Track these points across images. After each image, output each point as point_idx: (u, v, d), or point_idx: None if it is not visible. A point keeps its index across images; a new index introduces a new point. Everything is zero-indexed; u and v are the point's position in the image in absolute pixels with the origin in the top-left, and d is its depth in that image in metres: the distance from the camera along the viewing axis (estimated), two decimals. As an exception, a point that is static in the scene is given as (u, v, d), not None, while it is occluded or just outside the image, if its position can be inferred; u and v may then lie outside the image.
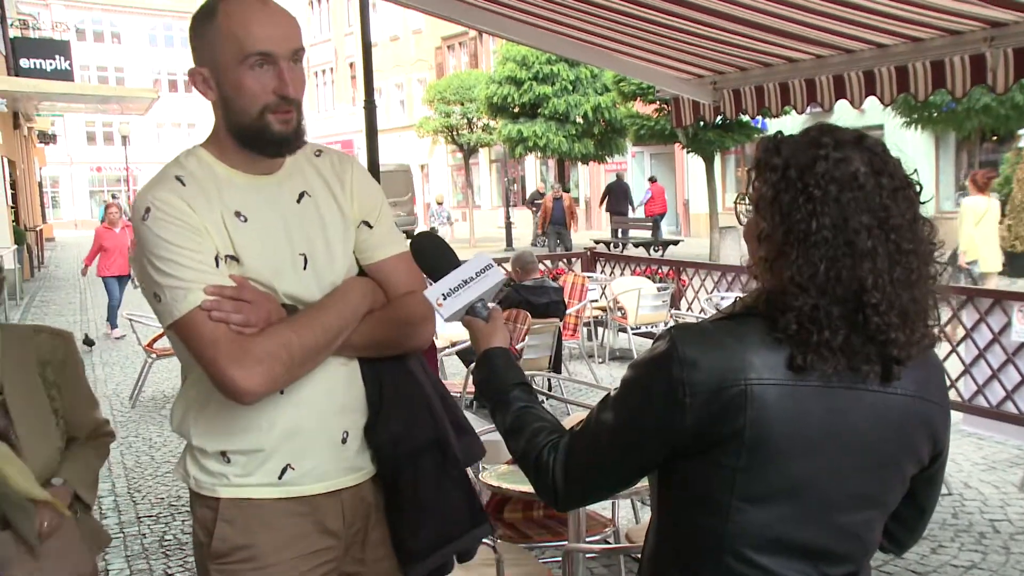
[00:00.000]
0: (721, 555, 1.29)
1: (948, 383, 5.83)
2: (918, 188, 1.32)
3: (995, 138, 16.98)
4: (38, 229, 24.23)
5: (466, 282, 1.61)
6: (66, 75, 22.35)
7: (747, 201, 1.35)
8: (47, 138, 32.35)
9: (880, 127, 20.96)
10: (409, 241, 1.81)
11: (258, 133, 1.63)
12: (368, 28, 7.82)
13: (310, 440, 1.70)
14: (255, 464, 1.69)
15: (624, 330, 8.59)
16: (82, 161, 52.01)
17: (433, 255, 1.67)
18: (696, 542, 1.33)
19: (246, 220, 1.66)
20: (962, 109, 12.61)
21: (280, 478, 1.70)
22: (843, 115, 21.26)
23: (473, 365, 1.66)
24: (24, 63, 21.88)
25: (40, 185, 34.25)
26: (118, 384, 8.36)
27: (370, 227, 1.78)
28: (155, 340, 7.89)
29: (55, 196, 50.88)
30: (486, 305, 1.63)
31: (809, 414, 1.26)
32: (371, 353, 1.76)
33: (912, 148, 20.80)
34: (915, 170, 1.36)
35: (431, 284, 1.66)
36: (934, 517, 4.48)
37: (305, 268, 1.70)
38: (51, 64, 22.35)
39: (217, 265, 1.61)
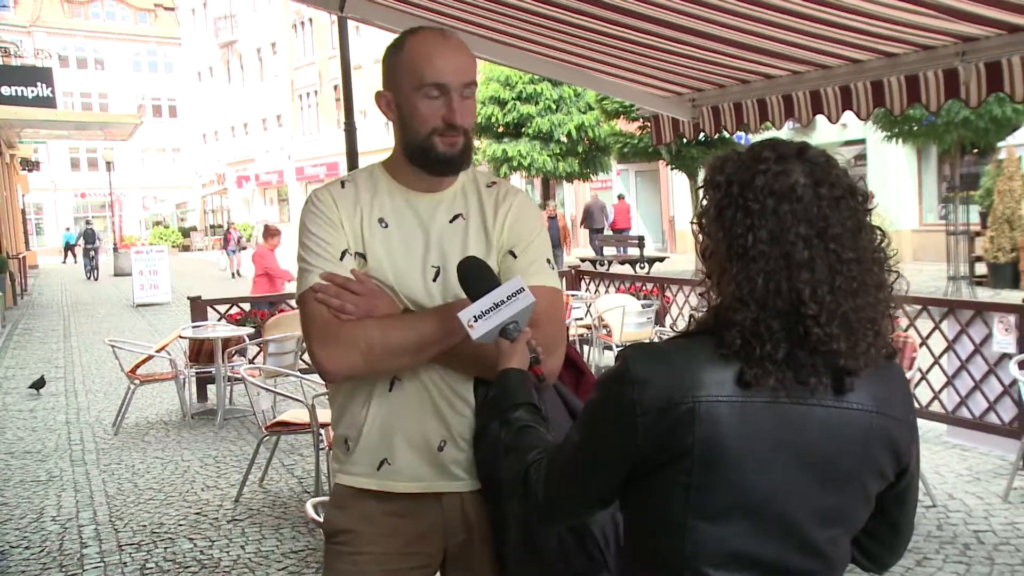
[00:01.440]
0: (681, 573, 1.29)
1: (931, 395, 5.89)
2: (862, 197, 1.32)
3: (976, 151, 17.14)
4: (21, 256, 24.08)
5: (497, 305, 1.67)
6: (48, 102, 22.26)
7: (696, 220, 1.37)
8: (30, 165, 32.22)
9: (862, 141, 21.15)
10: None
11: (425, 152, 1.82)
12: (348, 51, 7.84)
13: (405, 439, 1.82)
14: (361, 452, 1.85)
15: (610, 348, 8.59)
16: (66, 187, 51.83)
17: (473, 279, 1.73)
18: (656, 560, 1.33)
19: (387, 226, 1.85)
20: (942, 123, 12.71)
21: (378, 470, 1.84)
22: (826, 130, 21.37)
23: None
24: (5, 91, 21.77)
25: (23, 212, 34.09)
26: (100, 411, 8.28)
27: (514, 256, 1.87)
28: (138, 366, 7.83)
29: (39, 223, 50.66)
30: (518, 327, 1.68)
31: (760, 430, 1.26)
32: (480, 374, 1.82)
33: (895, 162, 20.98)
34: (861, 178, 1.36)
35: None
36: (918, 529, 4.50)
37: (435, 280, 1.83)
38: (32, 91, 22.25)
39: (342, 258, 1.81)
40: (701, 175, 1.47)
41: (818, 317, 1.24)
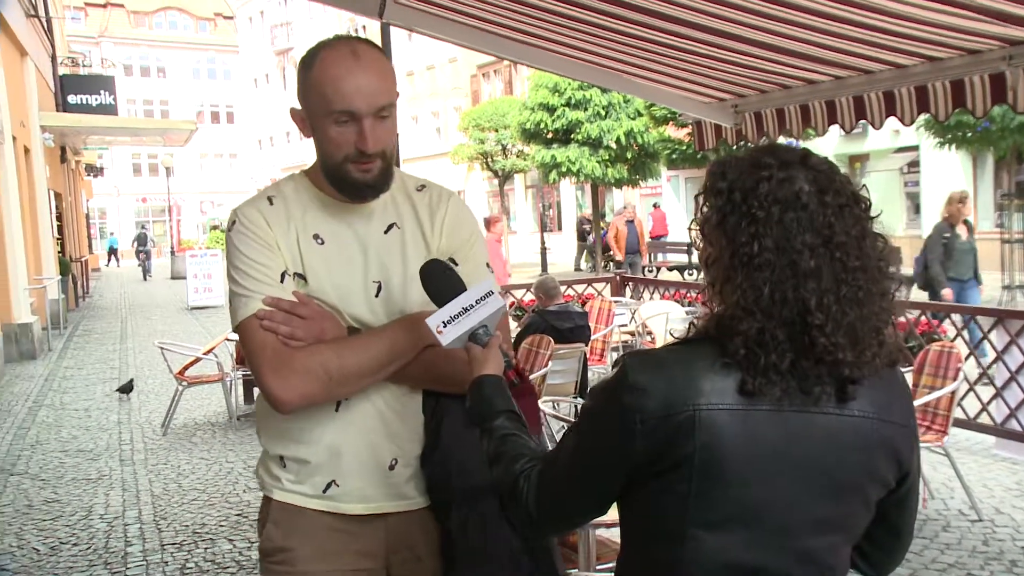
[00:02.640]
0: None
1: (980, 406, 5.74)
2: (865, 204, 1.30)
3: (1033, 157, 16.69)
4: (83, 260, 24.74)
5: (466, 309, 1.61)
6: (110, 109, 22.91)
7: (697, 227, 1.35)
8: (94, 171, 33.13)
9: (916, 148, 20.68)
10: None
11: (341, 178, 1.73)
12: (390, 57, 7.90)
13: (355, 461, 1.75)
14: (305, 474, 1.76)
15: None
16: (128, 192, 53.16)
17: (438, 282, 1.67)
18: (655, 568, 1.32)
19: (323, 243, 1.76)
20: (997, 128, 12.39)
21: (324, 492, 1.76)
22: (877, 137, 20.89)
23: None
24: (72, 99, 22.50)
25: (87, 216, 35.05)
26: (151, 412, 8.47)
27: (455, 264, 1.79)
28: (186, 368, 8.00)
29: (102, 227, 52.01)
30: (488, 332, 1.63)
31: (761, 439, 1.25)
32: (431, 387, 1.78)
33: (949, 169, 20.46)
34: (864, 186, 1.35)
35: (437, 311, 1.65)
36: (964, 544, 4.40)
37: (378, 295, 1.76)
38: (96, 99, 22.95)
39: (282, 280, 1.72)
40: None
41: (824, 327, 1.22)
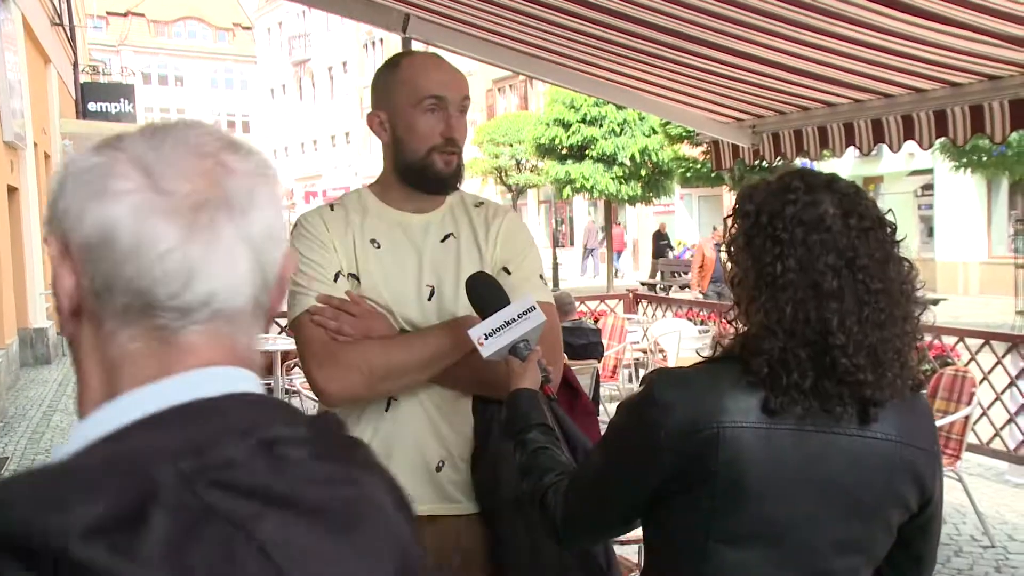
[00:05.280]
0: None
1: (993, 431, 5.72)
2: (891, 229, 1.33)
3: (1049, 183, 16.65)
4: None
5: (508, 323, 1.65)
6: (129, 117, 23.09)
7: (725, 248, 1.39)
8: (110, 177, 33.30)
9: (930, 171, 20.65)
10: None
11: (423, 171, 1.81)
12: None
13: (403, 460, 1.77)
14: None
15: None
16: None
17: (483, 295, 1.71)
18: None
19: (379, 247, 1.84)
20: (1013, 153, 12.40)
21: None
22: (892, 159, 20.84)
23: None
24: (92, 106, 22.72)
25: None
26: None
27: (508, 273, 1.86)
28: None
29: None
30: (528, 346, 1.66)
31: (784, 458, 1.27)
32: (477, 391, 1.82)
33: (964, 192, 20.41)
34: (890, 210, 1.37)
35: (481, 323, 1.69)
36: (976, 570, 4.38)
37: (430, 299, 1.82)
38: (116, 107, 23.16)
39: (336, 280, 1.80)
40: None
41: (845, 347, 1.24)
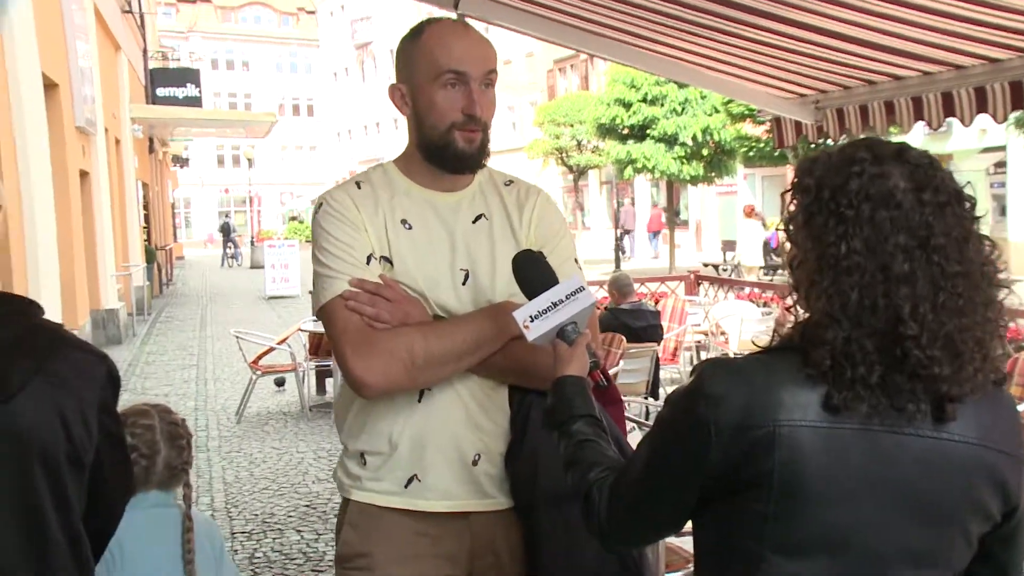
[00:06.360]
0: None
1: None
2: (969, 203, 1.19)
3: None
4: (168, 248, 25.50)
5: (555, 304, 1.55)
6: (196, 101, 23.59)
7: (783, 227, 1.27)
8: (180, 161, 34.18)
9: (1003, 148, 19.88)
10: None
11: (443, 148, 1.71)
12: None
13: (438, 453, 1.70)
14: (386, 469, 1.71)
15: (727, 355, 8.37)
16: (212, 183, 54.60)
17: (530, 274, 1.61)
18: None
19: (411, 228, 1.73)
20: (1097, 127, 11.82)
21: (406, 487, 1.70)
22: (962, 135, 20.12)
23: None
24: (160, 91, 23.27)
25: (172, 206, 36.12)
26: (227, 399, 8.65)
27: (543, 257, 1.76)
28: (260, 357, 8.14)
29: (187, 216, 53.56)
30: (576, 329, 1.55)
31: (847, 459, 1.16)
32: (517, 381, 1.73)
33: (1043, 169, 19.63)
34: (968, 182, 1.23)
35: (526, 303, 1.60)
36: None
37: (465, 283, 1.73)
38: (183, 92, 23.67)
39: (368, 263, 1.69)
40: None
41: (919, 338, 1.13)
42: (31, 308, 1.37)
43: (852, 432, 1.16)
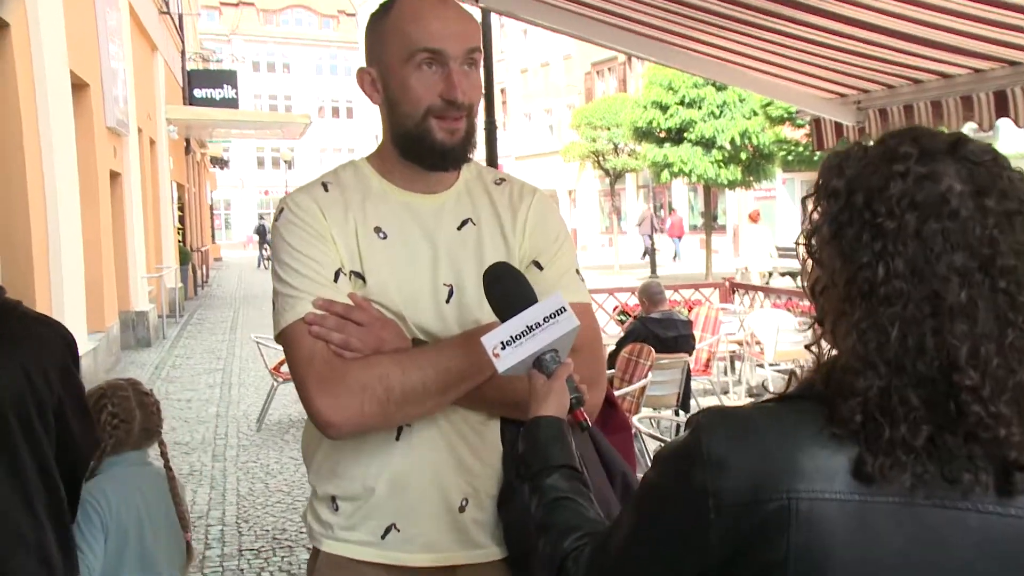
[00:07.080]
0: None
1: None
2: None
3: None
4: (203, 250, 25.62)
5: (531, 328, 1.30)
6: (232, 103, 23.69)
7: (804, 241, 1.01)
8: (219, 163, 34.44)
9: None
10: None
11: (419, 140, 1.49)
12: (491, 44, 7.73)
13: (419, 499, 1.49)
14: (360, 516, 1.51)
15: (761, 366, 8.06)
16: (252, 185, 55.11)
17: (503, 291, 1.37)
18: None
19: (385, 237, 1.50)
20: None
21: (383, 538, 1.49)
22: (1013, 137, 19.55)
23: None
24: (197, 93, 23.43)
25: (211, 207, 36.40)
26: (248, 406, 8.51)
27: (540, 268, 1.55)
28: (281, 364, 7.98)
29: (227, 217, 54.08)
30: (556, 358, 1.32)
31: (885, 541, 0.91)
32: (511, 413, 1.49)
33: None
34: None
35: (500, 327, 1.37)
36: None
37: (448, 301, 1.51)
38: (219, 93, 23.81)
39: (336, 279, 1.46)
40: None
41: (979, 389, 0.89)
42: None
43: (891, 507, 0.91)
